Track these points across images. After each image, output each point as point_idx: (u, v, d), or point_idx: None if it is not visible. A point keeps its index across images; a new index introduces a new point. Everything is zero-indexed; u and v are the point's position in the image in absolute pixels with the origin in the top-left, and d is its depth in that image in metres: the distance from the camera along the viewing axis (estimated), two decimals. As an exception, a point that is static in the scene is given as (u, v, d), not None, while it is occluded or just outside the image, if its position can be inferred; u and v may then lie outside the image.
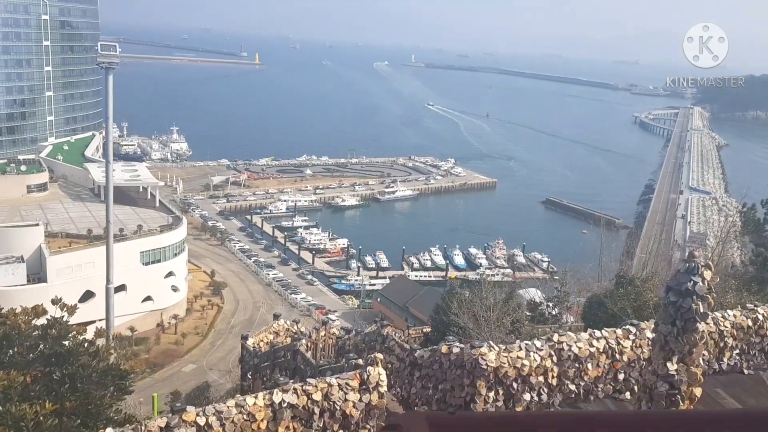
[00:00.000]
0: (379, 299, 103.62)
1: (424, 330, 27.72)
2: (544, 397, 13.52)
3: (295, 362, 14.13)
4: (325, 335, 20.90)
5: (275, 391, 10.52)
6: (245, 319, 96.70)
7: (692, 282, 9.74)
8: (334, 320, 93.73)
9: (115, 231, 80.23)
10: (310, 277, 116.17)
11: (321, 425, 11.06)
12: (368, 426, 11.47)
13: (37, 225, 79.50)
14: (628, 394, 14.32)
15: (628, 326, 14.45)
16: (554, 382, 13.54)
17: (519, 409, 13.31)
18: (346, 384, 11.16)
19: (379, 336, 15.23)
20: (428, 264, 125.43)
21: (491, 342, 13.25)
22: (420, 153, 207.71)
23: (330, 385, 11.06)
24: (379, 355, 11.53)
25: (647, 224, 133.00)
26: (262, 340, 17.57)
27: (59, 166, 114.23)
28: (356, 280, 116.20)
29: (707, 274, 9.80)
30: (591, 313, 26.26)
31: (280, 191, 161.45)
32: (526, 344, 13.39)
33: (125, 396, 13.17)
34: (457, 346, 13.18)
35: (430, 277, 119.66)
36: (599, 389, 14.18)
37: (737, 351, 15.90)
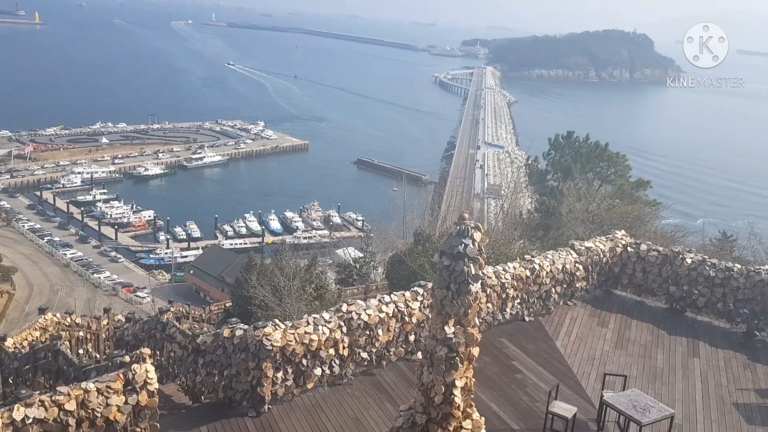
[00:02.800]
0: (192, 271, 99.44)
1: (227, 305, 26.51)
2: (336, 369, 13.18)
3: (57, 363, 12.42)
4: (108, 324, 18.99)
5: (16, 407, 8.97)
6: (42, 304, 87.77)
7: (463, 245, 9.67)
8: (144, 297, 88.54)
9: None
10: (113, 253, 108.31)
11: (80, 437, 9.68)
12: (139, 428, 10.29)
13: None
14: (419, 354, 14.41)
15: (416, 288, 14.51)
16: (346, 352, 13.23)
17: (310, 385, 12.85)
18: (107, 387, 9.85)
19: (159, 323, 13.91)
20: (243, 231, 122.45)
21: (277, 320, 12.56)
22: (227, 116, 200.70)
23: (87, 391, 9.69)
24: (146, 351, 10.33)
25: (450, 179, 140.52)
26: (25, 339, 15.44)
27: None
28: (166, 254, 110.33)
29: (477, 236, 9.79)
30: (393, 272, 26.67)
31: (73, 163, 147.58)
32: (314, 318, 12.90)
33: None
34: (240, 328, 12.33)
35: (246, 244, 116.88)
36: (391, 353, 14.16)
37: (518, 300, 16.74)
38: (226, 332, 12.36)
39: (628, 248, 18.94)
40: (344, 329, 13.03)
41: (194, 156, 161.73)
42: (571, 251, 18.16)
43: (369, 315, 13.34)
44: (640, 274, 18.76)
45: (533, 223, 44.65)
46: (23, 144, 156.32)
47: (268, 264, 24.26)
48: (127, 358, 10.55)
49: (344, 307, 13.25)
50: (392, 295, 14.09)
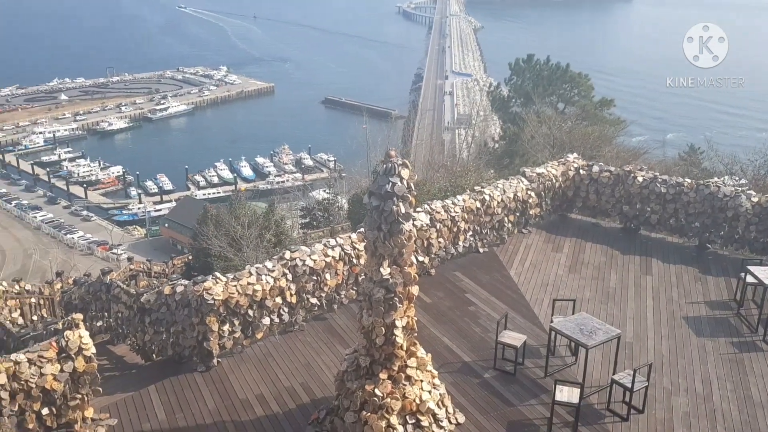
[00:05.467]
0: (167, 224, 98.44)
1: (189, 258, 26.24)
2: (286, 317, 13.09)
3: (-4, 335, 12.18)
4: (63, 288, 18.64)
5: (-62, 386, 8.73)
6: (17, 269, 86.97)
7: (391, 183, 9.42)
8: (122, 254, 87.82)
9: None
10: (85, 212, 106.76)
11: (15, 409, 9.52)
12: (80, 395, 10.14)
13: None
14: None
15: (362, 228, 14.29)
16: (294, 299, 13.11)
17: (259, 335, 12.76)
18: (40, 357, 9.63)
19: (103, 285, 13.63)
20: (215, 180, 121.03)
21: (218, 273, 12.34)
22: (189, 64, 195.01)
23: (17, 362, 9.47)
24: (78, 316, 10.08)
25: (420, 111, 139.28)
26: (-31, 312, 15.12)
27: None
28: (139, 209, 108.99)
29: (405, 173, 9.53)
30: (354, 212, 26.46)
31: (34, 123, 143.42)
32: (257, 268, 12.69)
33: None
34: (181, 284, 12.10)
35: (219, 193, 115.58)
36: (342, 296, 14.07)
37: (470, 233, 16.64)
38: (167, 289, 12.14)
39: (581, 171, 18.83)
40: (289, 276, 12.87)
41: (158, 107, 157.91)
42: (522, 178, 18.01)
43: (314, 260, 13.16)
44: (594, 196, 18.73)
45: (498, 150, 44.56)
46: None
47: (223, 213, 23.89)
48: (59, 325, 10.30)
49: (287, 255, 13.05)
50: (338, 238, 13.90)
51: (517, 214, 17.78)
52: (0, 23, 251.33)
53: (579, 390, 10.80)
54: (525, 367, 12.38)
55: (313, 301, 13.43)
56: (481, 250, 16.95)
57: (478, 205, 16.51)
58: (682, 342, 13.43)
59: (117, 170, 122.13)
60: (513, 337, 12.40)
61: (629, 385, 11.06)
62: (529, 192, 17.85)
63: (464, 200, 16.33)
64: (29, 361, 9.54)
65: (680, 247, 17.73)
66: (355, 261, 13.81)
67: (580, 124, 36.97)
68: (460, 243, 16.41)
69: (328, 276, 13.48)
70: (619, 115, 49.16)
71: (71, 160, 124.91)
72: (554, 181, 18.48)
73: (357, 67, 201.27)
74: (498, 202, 16.95)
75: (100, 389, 10.63)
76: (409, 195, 9.56)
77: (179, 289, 11.98)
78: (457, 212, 15.99)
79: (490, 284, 15.55)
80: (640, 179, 18.04)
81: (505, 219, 17.40)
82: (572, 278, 15.94)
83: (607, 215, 18.97)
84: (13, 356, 9.50)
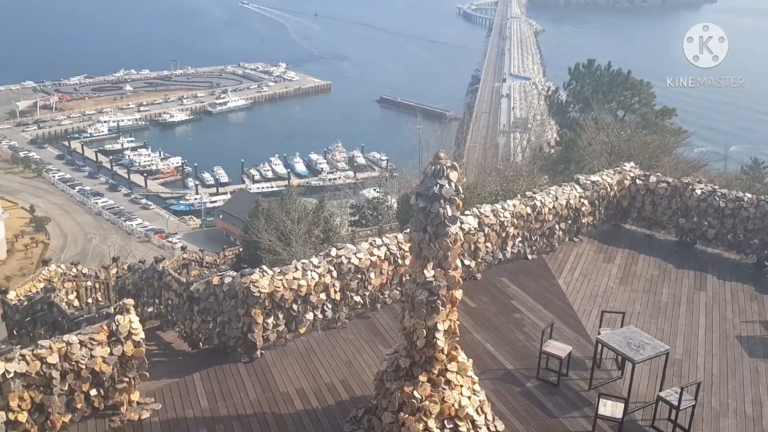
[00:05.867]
0: (221, 216, 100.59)
1: (240, 250, 26.72)
2: (329, 313, 13.19)
3: (52, 315, 12.64)
4: (117, 274, 19.25)
5: (-5, 362, 9.12)
6: (77, 253, 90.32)
7: (438, 185, 9.37)
8: (177, 243, 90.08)
9: None
10: (144, 201, 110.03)
11: (65, 388, 9.87)
12: (127, 378, 10.45)
13: None
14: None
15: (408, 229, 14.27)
16: (338, 296, 13.19)
17: (303, 330, 12.89)
18: (91, 339, 9.96)
19: (156, 272, 14.01)
20: (269, 175, 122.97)
21: (265, 267, 12.51)
22: (249, 59, 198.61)
23: (69, 343, 9.81)
24: (129, 301, 10.38)
25: (475, 114, 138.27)
26: (29, 291, 15.75)
27: None
28: (195, 199, 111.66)
29: (453, 176, 9.47)
30: (403, 212, 26.47)
31: (99, 112, 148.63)
32: (303, 263, 12.82)
33: None
34: (229, 276, 12.32)
35: (272, 187, 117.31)
36: (386, 296, 14.09)
37: (519, 239, 16.44)
38: (215, 280, 12.39)
39: (637, 180, 18.37)
40: (334, 273, 12.96)
41: (218, 101, 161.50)
42: (576, 186, 17.68)
43: (360, 259, 13.22)
44: (650, 207, 18.24)
45: (553, 156, 43.85)
46: (48, 94, 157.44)
47: (274, 208, 24.22)
48: (111, 310, 10.63)
49: (333, 252, 13.14)
50: (384, 238, 13.92)
51: (569, 221, 17.46)
52: (71, 16, 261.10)
53: (623, 405, 10.55)
54: (569, 379, 12.15)
55: (357, 299, 13.49)
56: (529, 256, 16.73)
57: (529, 210, 16.29)
58: (733, 361, 12.97)
59: (176, 161, 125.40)
60: (558, 347, 12.19)
61: (676, 403, 10.73)
62: (582, 200, 17.51)
63: (514, 205, 16.14)
64: (81, 342, 9.88)
65: (737, 263, 17.11)
66: (400, 261, 13.80)
67: (640, 133, 36.07)
68: (509, 248, 16.23)
69: (372, 275, 13.52)
70: (681, 125, 47.77)
71: (133, 149, 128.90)
72: (609, 189, 18.08)
73: (414, 68, 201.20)
74: (549, 209, 16.68)
75: (147, 374, 10.94)
76: (456, 198, 9.50)
77: (227, 280, 12.20)
78: (506, 217, 15.81)
79: (537, 292, 15.32)
80: (699, 192, 17.49)
81: (556, 226, 17.12)
82: (623, 290, 15.57)
83: (663, 227, 18.45)
84: (65, 337, 9.85)
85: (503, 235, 15.98)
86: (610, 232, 18.65)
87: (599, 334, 12.18)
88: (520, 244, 16.51)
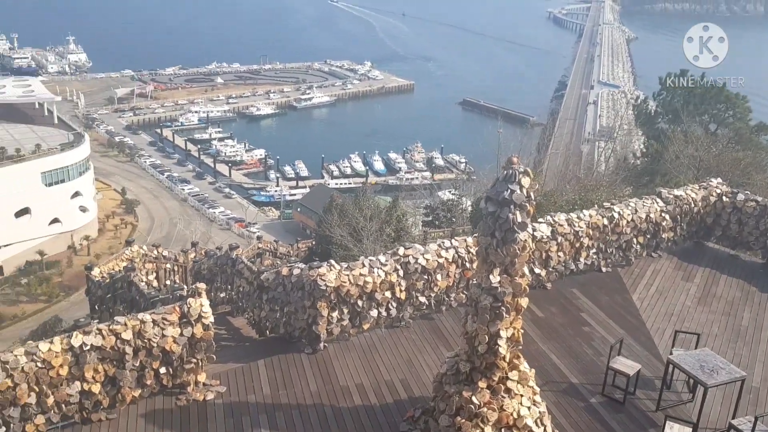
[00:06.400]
0: (299, 209, 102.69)
1: (312, 243, 27.18)
2: (393, 311, 13.24)
3: (131, 293, 13.26)
4: (195, 258, 19.96)
5: (74, 333, 9.66)
6: (162, 236, 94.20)
7: (509, 191, 9.25)
8: (255, 232, 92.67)
9: (10, 151, 76.09)
10: (227, 190, 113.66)
11: (137, 364, 10.34)
12: (195, 359, 10.84)
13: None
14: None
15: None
16: (403, 296, 13.23)
17: (366, 326, 13.00)
18: (163, 319, 10.39)
19: (229, 259, 14.45)
20: (348, 171, 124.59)
21: (333, 261, 12.69)
22: (335, 57, 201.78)
23: (143, 321, 10.27)
24: (201, 285, 10.76)
25: (559, 120, 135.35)
26: (112, 269, 16.59)
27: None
28: (276, 191, 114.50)
29: (525, 182, 9.32)
30: (477, 215, 26.21)
31: (191, 102, 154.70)
32: (370, 260, 12.93)
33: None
34: (298, 267, 12.57)
35: (350, 184, 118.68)
36: (451, 298, 14.02)
37: (594, 250, 16.00)
38: (284, 270, 12.66)
39: (723, 197, 17.51)
40: (401, 272, 13.00)
41: (303, 96, 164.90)
42: (658, 199, 17.03)
43: (427, 260, 13.20)
44: (736, 226, 17.35)
45: (638, 168, 42.37)
46: (145, 83, 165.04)
47: (348, 204, 24.52)
48: (184, 292, 11.05)
49: (401, 251, 13.18)
50: (453, 240, 13.85)
51: (648, 236, 16.84)
52: (170, 11, 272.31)
53: (691, 429, 10.11)
54: (635, 398, 11.74)
55: (422, 299, 13.48)
56: (603, 269, 16.25)
57: (606, 222, 15.82)
58: (818, 395, 12.17)
59: (260, 153, 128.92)
60: (626, 365, 11.79)
61: (749, 433, 10.20)
62: (663, 214, 16.85)
63: (591, 215, 15.71)
64: (153, 321, 10.32)
65: (829, 291, 16.05)
66: (468, 265, 13.70)
67: (732, 148, 34.36)
68: (582, 259, 15.81)
69: (439, 276, 13.49)
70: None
71: (220, 139, 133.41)
72: (692, 205, 17.32)
73: (499, 71, 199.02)
74: (627, 221, 16.14)
75: (214, 356, 11.31)
76: (527, 204, 9.34)
77: (296, 271, 12.45)
78: (581, 227, 15.41)
79: (609, 306, 14.86)
80: (791, 213, 16.51)
81: (634, 240, 16.54)
82: (700, 311, 14.89)
83: (749, 248, 17.52)
84: (140, 315, 10.33)
85: (577, 245, 15.58)
86: (692, 250, 17.86)
87: (671, 354, 11.72)
88: (595, 256, 16.05)
